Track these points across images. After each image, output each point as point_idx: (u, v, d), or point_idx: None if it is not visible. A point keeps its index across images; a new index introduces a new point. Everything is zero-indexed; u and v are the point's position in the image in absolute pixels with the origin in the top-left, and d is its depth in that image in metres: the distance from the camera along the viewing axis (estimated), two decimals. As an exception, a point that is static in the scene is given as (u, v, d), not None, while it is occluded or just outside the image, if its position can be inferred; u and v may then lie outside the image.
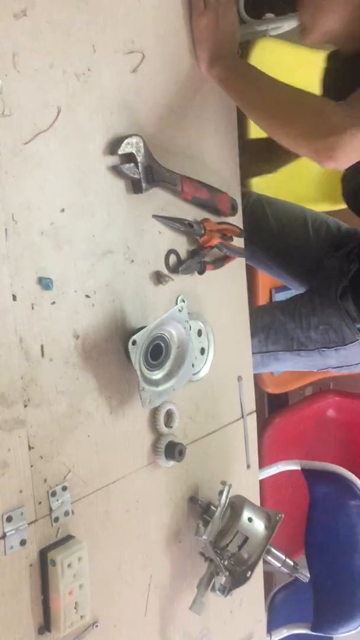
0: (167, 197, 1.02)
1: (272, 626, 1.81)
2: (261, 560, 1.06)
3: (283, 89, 1.00)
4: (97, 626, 0.93)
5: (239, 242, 1.16)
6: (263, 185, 1.87)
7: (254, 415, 1.23)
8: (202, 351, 1.10)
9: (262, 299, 1.90)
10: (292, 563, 1.10)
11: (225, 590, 1.04)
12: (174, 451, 1.01)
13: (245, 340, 1.20)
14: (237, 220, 1.16)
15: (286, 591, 1.95)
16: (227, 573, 1.04)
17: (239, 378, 1.19)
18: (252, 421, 1.22)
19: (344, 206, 2.02)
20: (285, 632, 1.73)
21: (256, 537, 1.05)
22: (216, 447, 1.15)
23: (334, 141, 0.92)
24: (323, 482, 1.60)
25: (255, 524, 1.05)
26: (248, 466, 1.22)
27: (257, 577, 1.24)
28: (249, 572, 1.04)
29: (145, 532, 1.01)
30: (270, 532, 1.06)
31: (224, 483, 1.08)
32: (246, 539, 1.05)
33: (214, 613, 1.15)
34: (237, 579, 1.05)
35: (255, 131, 1.77)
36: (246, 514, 1.05)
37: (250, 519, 1.05)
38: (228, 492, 1.07)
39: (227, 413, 1.17)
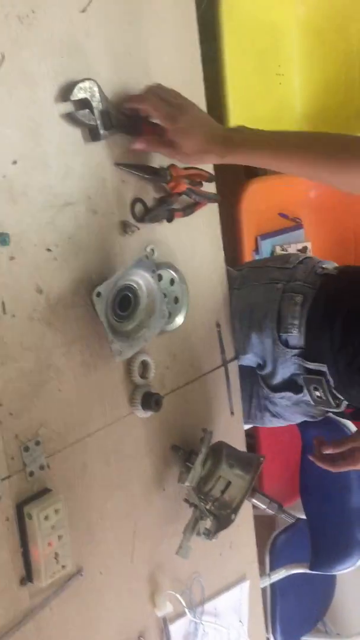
0: (129, 143, 0.99)
1: (274, 568, 1.86)
2: (244, 502, 1.07)
3: (313, 134, 0.95)
4: (82, 575, 0.95)
5: (209, 187, 1.13)
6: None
7: (236, 362, 1.22)
8: (176, 300, 1.09)
9: (248, 247, 1.87)
10: (277, 505, 1.11)
11: (210, 533, 1.05)
12: (150, 401, 1.01)
13: (222, 287, 1.18)
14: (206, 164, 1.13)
15: (287, 534, 1.99)
16: (212, 517, 1.05)
17: (217, 324, 1.17)
18: (234, 368, 1.22)
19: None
20: (284, 573, 1.78)
21: (238, 481, 1.06)
22: (197, 395, 1.15)
23: None
24: (314, 425, 1.60)
25: (236, 468, 1.06)
26: (232, 413, 1.22)
27: (246, 520, 1.26)
28: (233, 515, 1.05)
29: (126, 482, 1.02)
30: (252, 475, 1.07)
31: (204, 430, 1.08)
32: (229, 483, 1.05)
33: (204, 557, 1.17)
34: (222, 522, 1.06)
35: (232, 82, 1.72)
36: (227, 459, 1.06)
37: (231, 464, 1.06)
38: (209, 439, 1.07)
39: (207, 361, 1.17)
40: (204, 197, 1.10)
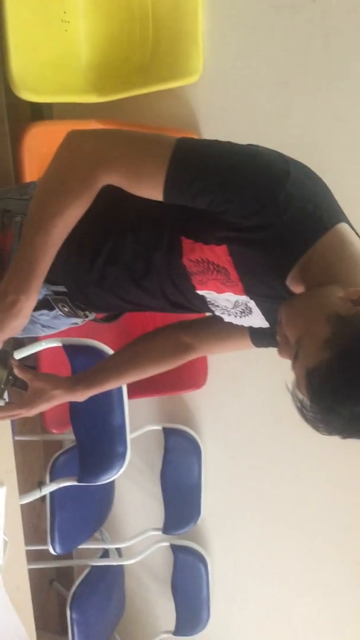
0: None
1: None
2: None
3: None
4: None
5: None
6: (27, 78, 1.85)
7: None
8: None
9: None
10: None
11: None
12: None
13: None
14: None
15: (67, 455, 2.18)
16: None
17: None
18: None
19: (112, 98, 2.08)
20: (54, 486, 1.97)
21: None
22: None
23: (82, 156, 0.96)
24: (81, 354, 1.78)
25: None
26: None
27: (4, 436, 1.41)
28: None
29: None
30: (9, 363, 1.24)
31: None
32: None
33: None
34: None
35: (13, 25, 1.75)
36: None
37: None
38: None
39: None
40: None
